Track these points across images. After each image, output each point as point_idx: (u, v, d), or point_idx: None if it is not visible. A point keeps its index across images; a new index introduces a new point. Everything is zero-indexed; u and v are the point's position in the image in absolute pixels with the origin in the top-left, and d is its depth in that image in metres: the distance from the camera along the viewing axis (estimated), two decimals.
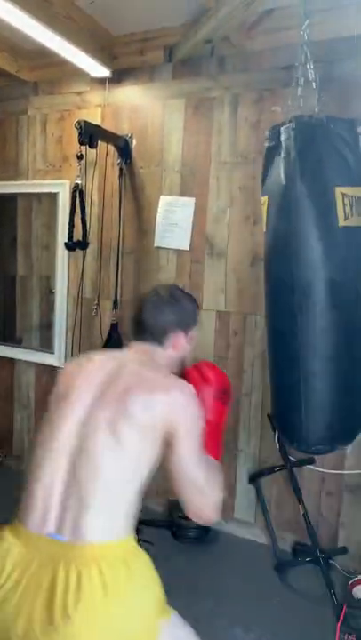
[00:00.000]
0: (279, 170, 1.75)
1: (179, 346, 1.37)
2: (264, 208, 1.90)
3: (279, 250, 1.83)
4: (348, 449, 2.40)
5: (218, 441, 1.36)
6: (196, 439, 1.18)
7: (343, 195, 1.68)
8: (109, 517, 1.11)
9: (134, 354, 1.35)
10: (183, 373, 1.40)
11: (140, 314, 1.39)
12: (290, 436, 1.89)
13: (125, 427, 1.13)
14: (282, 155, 1.75)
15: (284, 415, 1.90)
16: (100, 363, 1.30)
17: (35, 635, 0.98)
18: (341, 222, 1.69)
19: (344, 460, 2.42)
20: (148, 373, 1.24)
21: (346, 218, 1.69)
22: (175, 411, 1.17)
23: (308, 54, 1.82)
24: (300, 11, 1.81)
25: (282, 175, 1.74)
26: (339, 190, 1.68)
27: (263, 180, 1.90)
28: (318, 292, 1.71)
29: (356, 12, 2.26)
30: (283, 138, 1.75)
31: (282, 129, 1.77)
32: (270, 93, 2.49)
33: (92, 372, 1.27)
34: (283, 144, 1.75)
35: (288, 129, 1.74)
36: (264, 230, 1.91)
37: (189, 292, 1.52)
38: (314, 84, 1.83)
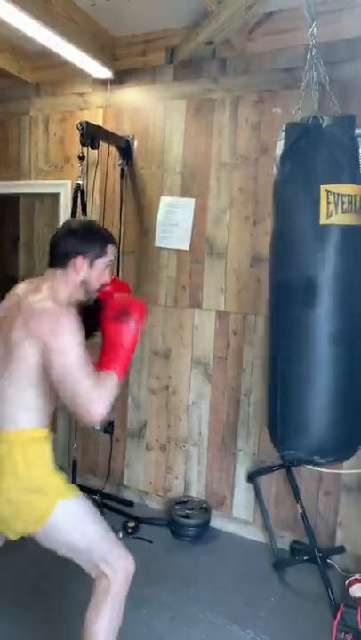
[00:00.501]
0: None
1: (79, 269, 1.53)
2: None
3: (272, 249, 1.86)
4: None
5: (119, 357, 1.50)
6: (69, 357, 1.39)
7: (328, 192, 1.67)
8: (10, 414, 1.47)
9: (38, 283, 1.56)
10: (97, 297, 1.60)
11: (51, 240, 1.59)
12: (272, 436, 1.90)
13: (10, 362, 1.45)
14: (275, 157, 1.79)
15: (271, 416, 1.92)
16: (9, 299, 1.59)
17: None
18: (323, 220, 1.68)
19: None
20: (31, 306, 1.46)
21: (329, 215, 1.68)
22: (46, 335, 1.40)
23: (316, 57, 1.84)
24: (305, 13, 1.82)
25: (274, 176, 1.78)
26: (324, 188, 1.67)
27: None
28: (298, 292, 1.72)
29: (358, 14, 2.28)
30: (278, 140, 1.80)
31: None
32: (271, 95, 2.51)
33: (3, 309, 1.58)
34: (277, 147, 1.79)
35: (281, 131, 1.78)
36: None
37: (105, 229, 1.68)
38: (317, 84, 1.85)
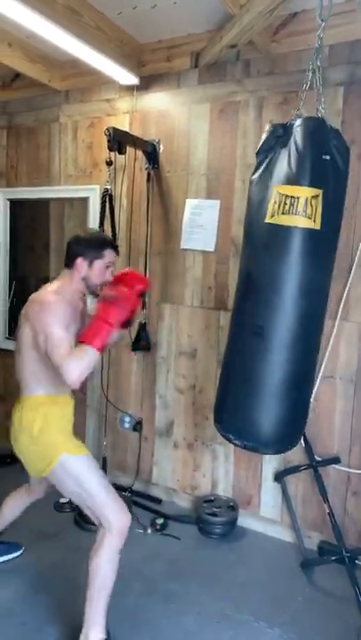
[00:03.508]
0: None
1: (80, 269, 1.89)
2: None
3: None
4: None
5: (97, 331, 1.69)
6: (48, 334, 1.70)
7: (278, 193, 1.76)
8: (26, 383, 1.90)
9: (54, 281, 1.93)
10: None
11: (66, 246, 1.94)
12: (236, 431, 1.94)
13: (21, 328, 1.85)
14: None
15: (234, 411, 1.95)
16: None
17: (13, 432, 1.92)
18: (268, 219, 1.77)
19: None
20: (32, 296, 1.86)
21: (272, 215, 1.76)
22: (33, 318, 1.78)
23: (319, 61, 1.87)
24: (316, 15, 1.83)
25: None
26: (276, 189, 1.77)
27: None
28: (241, 285, 1.92)
29: None
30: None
31: None
32: (295, 96, 2.50)
33: None
34: None
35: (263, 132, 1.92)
36: None
37: (108, 236, 2.10)
38: (318, 87, 1.89)
